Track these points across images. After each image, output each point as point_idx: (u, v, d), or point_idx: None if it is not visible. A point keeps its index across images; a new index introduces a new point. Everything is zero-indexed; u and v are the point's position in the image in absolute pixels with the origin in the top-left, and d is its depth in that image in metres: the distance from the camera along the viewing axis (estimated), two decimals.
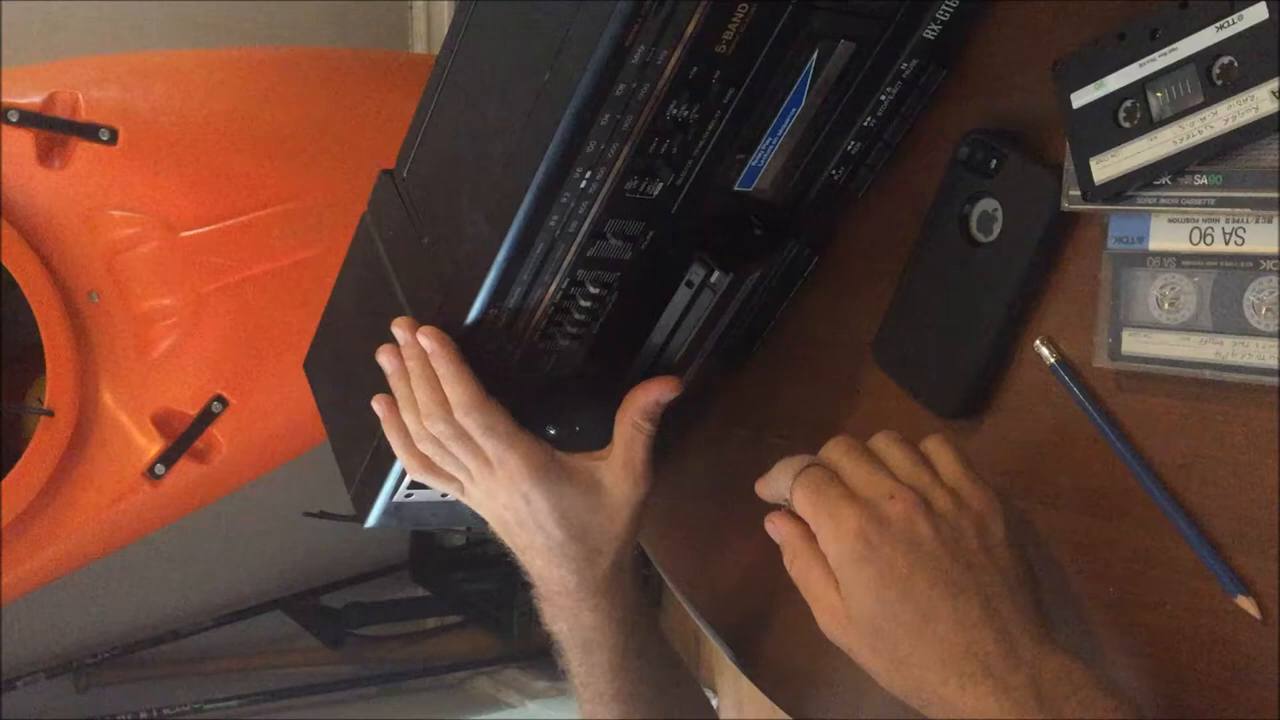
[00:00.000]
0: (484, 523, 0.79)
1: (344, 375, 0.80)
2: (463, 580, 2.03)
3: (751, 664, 0.80)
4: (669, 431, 0.82)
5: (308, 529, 1.79)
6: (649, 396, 0.71)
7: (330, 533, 1.68)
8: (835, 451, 0.59)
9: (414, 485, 0.74)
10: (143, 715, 1.74)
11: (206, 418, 1.35)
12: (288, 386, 1.38)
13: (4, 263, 1.27)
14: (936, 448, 0.59)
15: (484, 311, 0.66)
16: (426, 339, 0.67)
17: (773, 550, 0.76)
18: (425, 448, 0.71)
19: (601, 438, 0.73)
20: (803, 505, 0.58)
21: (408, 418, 0.70)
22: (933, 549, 0.55)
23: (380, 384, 0.72)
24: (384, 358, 0.71)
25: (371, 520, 0.76)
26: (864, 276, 0.72)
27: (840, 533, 0.56)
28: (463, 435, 0.69)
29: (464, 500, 0.73)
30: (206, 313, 1.34)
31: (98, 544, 1.42)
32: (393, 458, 0.72)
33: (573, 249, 0.65)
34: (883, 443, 0.59)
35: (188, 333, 1.35)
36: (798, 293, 0.75)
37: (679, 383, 0.71)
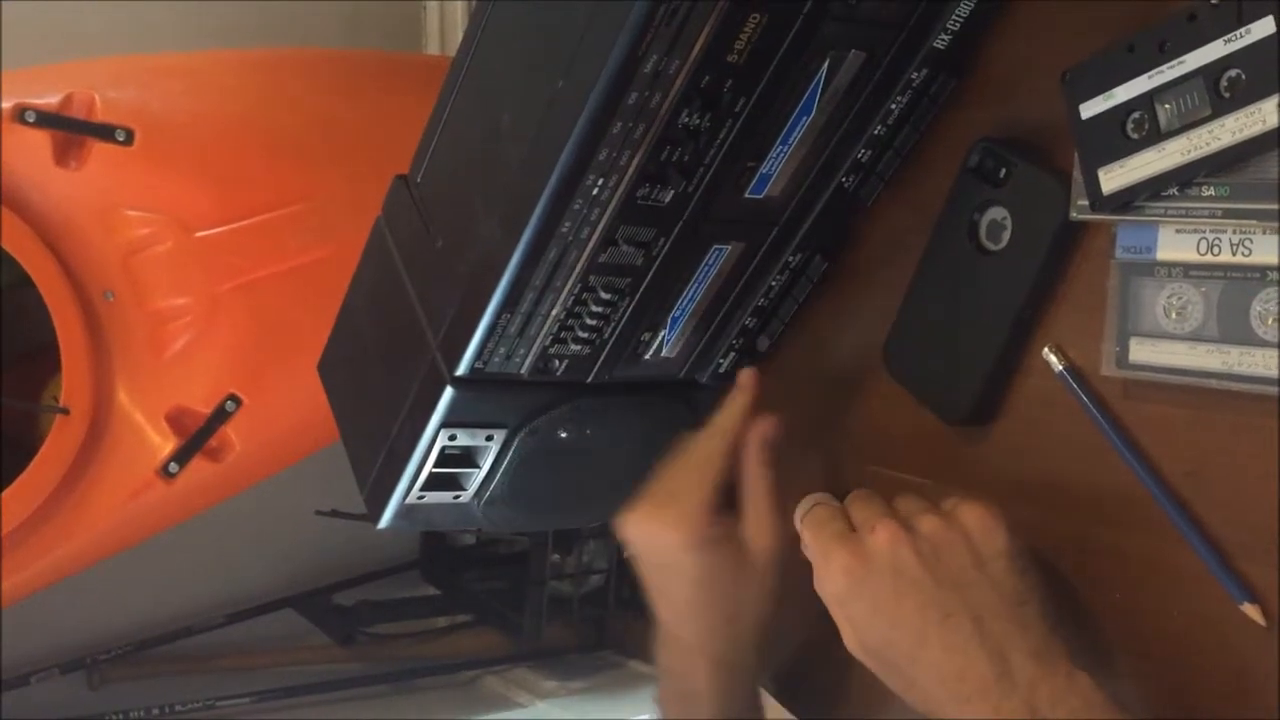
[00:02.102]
0: (495, 524, 0.80)
1: (358, 377, 0.81)
2: (473, 579, 2.03)
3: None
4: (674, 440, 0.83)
5: (319, 527, 1.79)
6: (755, 439, 0.70)
7: (341, 531, 1.69)
8: (851, 495, 0.63)
9: (426, 487, 0.75)
10: (155, 711, 1.75)
11: (220, 416, 1.36)
12: (301, 386, 1.39)
13: (21, 262, 1.28)
14: None
15: (497, 316, 0.66)
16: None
17: (782, 555, 0.77)
18: None
19: (610, 439, 0.74)
20: (805, 545, 0.62)
21: None
22: (916, 575, 0.56)
23: (393, 386, 0.73)
24: None
25: (384, 521, 0.77)
26: (874, 283, 0.73)
27: (829, 572, 0.59)
28: None
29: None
30: (221, 312, 1.35)
31: (111, 541, 1.43)
32: (405, 459, 0.72)
33: (584, 255, 0.65)
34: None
35: (202, 332, 1.36)
36: (808, 299, 0.75)
37: (777, 420, 0.71)
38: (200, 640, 1.86)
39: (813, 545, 0.61)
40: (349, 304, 0.83)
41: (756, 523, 0.69)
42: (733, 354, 0.77)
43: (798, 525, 0.63)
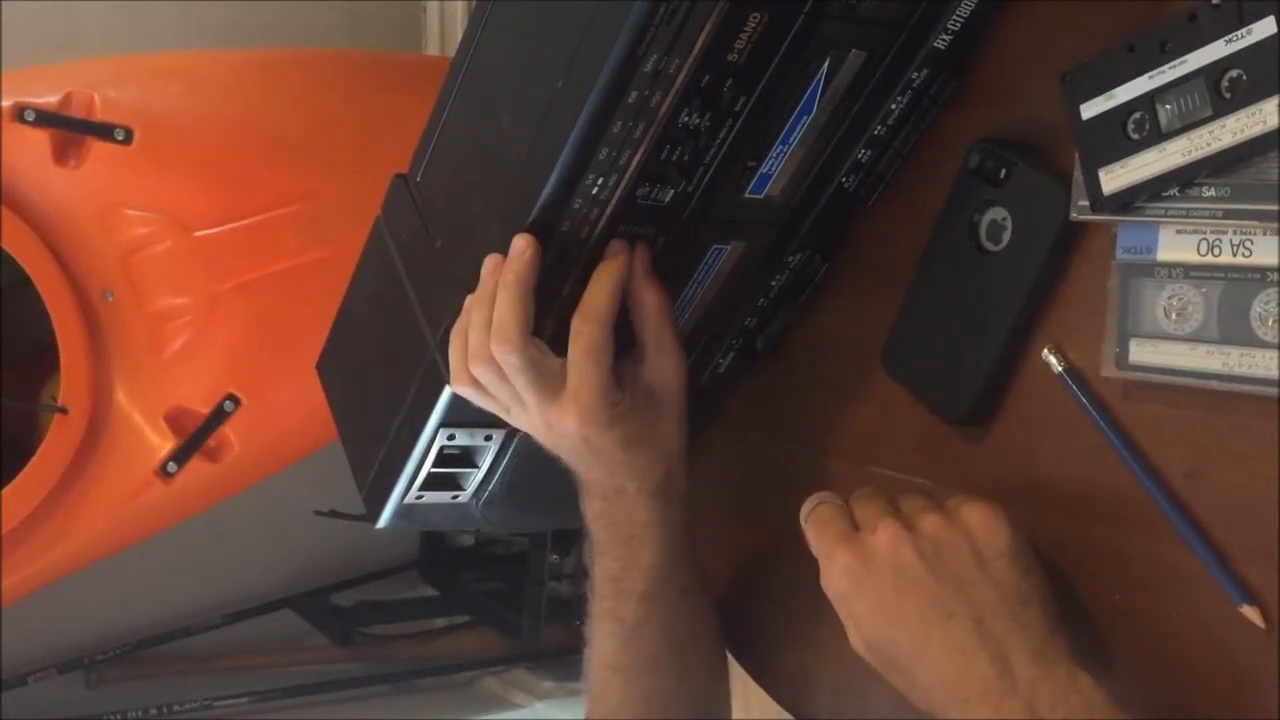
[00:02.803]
0: (494, 524, 0.79)
1: (356, 377, 0.81)
2: (472, 580, 2.04)
3: (755, 665, 0.81)
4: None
5: (318, 527, 1.79)
6: (638, 267, 0.66)
7: (340, 532, 1.69)
8: (856, 493, 0.63)
9: (425, 487, 0.75)
10: (153, 711, 1.75)
11: (219, 416, 1.36)
12: (300, 385, 1.38)
13: (20, 261, 1.28)
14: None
15: None
16: (517, 239, 0.63)
17: (777, 554, 0.77)
18: (479, 370, 0.66)
19: None
20: (810, 544, 0.62)
21: (471, 334, 0.66)
22: (918, 574, 0.56)
23: (391, 386, 0.73)
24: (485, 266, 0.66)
25: (382, 521, 0.77)
26: (874, 283, 0.73)
27: (831, 571, 0.59)
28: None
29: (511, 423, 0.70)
30: (220, 312, 1.35)
31: (110, 541, 1.43)
32: (404, 459, 0.72)
33: (585, 254, 0.65)
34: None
35: (201, 332, 1.36)
36: (808, 299, 0.75)
37: (645, 245, 0.66)
38: (198, 640, 1.86)
39: (816, 544, 0.61)
40: (348, 304, 0.83)
41: (658, 354, 0.68)
42: (732, 353, 0.77)
43: (802, 524, 0.63)
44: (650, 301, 0.67)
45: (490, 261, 0.65)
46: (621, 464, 0.68)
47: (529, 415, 0.67)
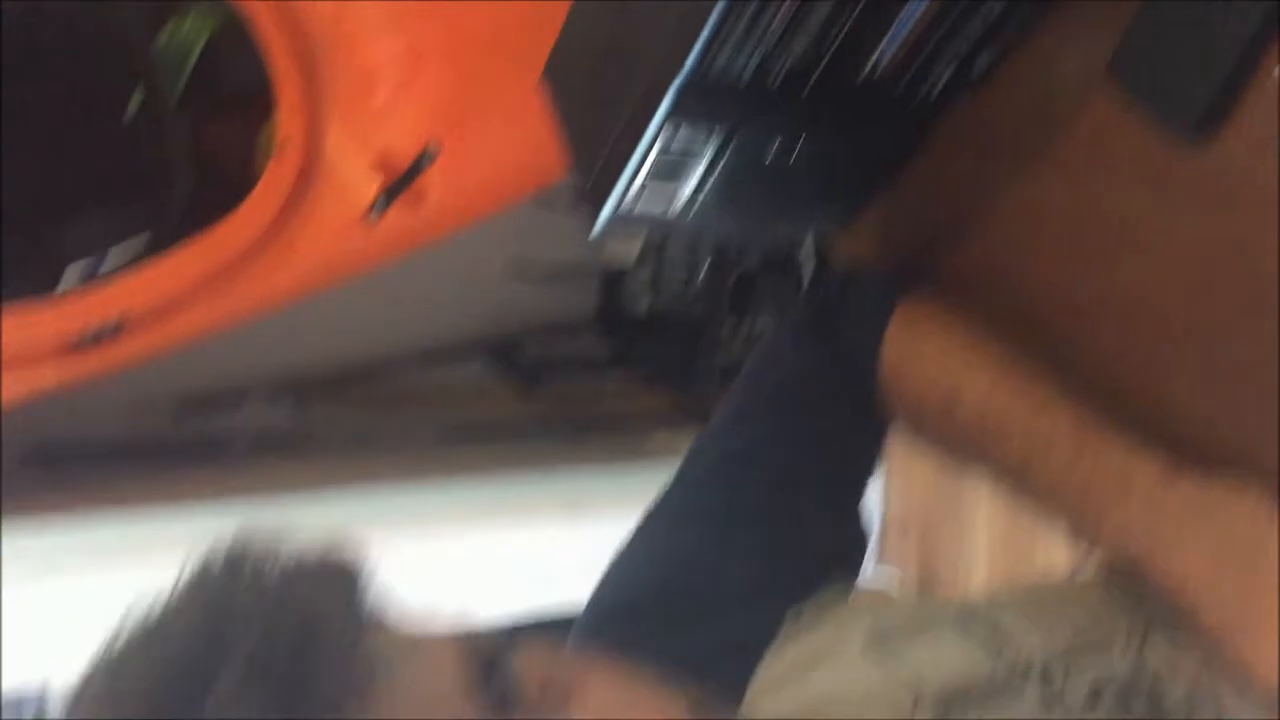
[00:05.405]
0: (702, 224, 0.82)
1: (586, 75, 0.81)
2: (647, 346, 2.07)
3: None
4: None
5: (501, 283, 1.84)
6: None
7: (521, 289, 1.73)
8: None
9: (645, 184, 0.76)
10: None
11: (421, 164, 1.41)
12: (499, 137, 1.43)
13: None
14: None
15: (726, 11, 0.67)
16: None
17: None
18: None
19: (820, 152, 0.76)
20: None
21: None
22: None
23: (619, 84, 0.75)
24: None
25: (598, 225, 0.79)
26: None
27: None
28: None
29: None
30: (425, 63, 1.38)
31: (315, 278, 1.51)
32: (627, 158, 0.75)
33: None
34: None
35: (406, 82, 1.40)
36: (1026, 22, 0.74)
37: None
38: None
39: None
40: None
41: None
42: (945, 77, 0.77)
43: None
44: None
45: None
46: None
47: None
